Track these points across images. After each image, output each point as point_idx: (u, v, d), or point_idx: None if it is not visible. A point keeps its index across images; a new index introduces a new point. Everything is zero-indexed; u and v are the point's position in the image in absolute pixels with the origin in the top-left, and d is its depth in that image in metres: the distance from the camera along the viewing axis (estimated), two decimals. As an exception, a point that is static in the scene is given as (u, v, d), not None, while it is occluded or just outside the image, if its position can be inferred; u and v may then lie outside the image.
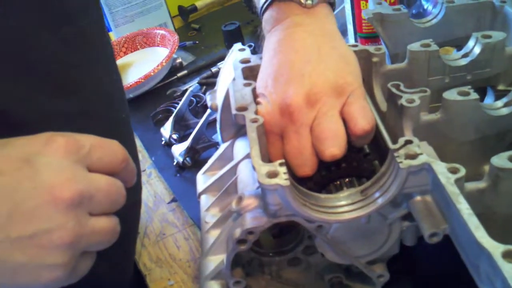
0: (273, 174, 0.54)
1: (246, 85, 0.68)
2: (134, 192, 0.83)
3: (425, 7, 1.16)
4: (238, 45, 0.79)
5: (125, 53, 1.53)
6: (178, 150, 1.06)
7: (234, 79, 0.71)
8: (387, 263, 0.67)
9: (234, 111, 0.64)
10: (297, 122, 0.61)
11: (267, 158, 0.63)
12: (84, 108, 0.69)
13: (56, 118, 0.65)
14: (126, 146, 0.81)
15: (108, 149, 0.53)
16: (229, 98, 0.68)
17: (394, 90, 0.64)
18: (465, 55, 0.74)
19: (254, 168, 0.55)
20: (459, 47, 0.83)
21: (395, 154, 0.54)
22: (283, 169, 0.54)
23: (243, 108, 0.64)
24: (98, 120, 0.73)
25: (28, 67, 0.62)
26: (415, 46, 0.72)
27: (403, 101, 0.62)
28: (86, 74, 0.71)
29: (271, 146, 0.63)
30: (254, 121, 0.62)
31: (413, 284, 0.73)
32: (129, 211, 0.80)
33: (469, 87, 0.63)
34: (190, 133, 1.08)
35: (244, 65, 0.73)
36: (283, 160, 0.55)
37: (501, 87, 0.76)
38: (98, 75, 0.74)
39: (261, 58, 0.73)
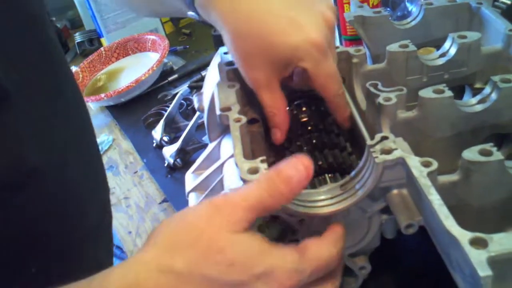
0: (254, 170, 0.56)
1: (230, 86, 0.71)
2: (107, 187, 0.86)
3: (410, 9, 1.19)
4: (223, 49, 0.81)
5: (117, 59, 1.56)
6: (169, 151, 1.09)
7: (219, 81, 0.73)
8: (370, 255, 0.69)
9: (218, 112, 0.66)
10: None
11: (250, 155, 0.65)
12: (72, 112, 0.73)
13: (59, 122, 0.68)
14: (95, 144, 0.84)
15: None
16: (214, 100, 0.71)
17: (372, 89, 0.66)
18: (442, 55, 0.77)
19: (236, 165, 0.58)
20: (438, 47, 0.86)
21: (372, 150, 0.56)
22: (264, 165, 0.56)
23: (227, 109, 0.66)
24: (85, 118, 0.77)
25: None
26: (393, 47, 0.75)
27: (380, 100, 0.65)
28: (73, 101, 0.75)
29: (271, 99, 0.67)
30: (237, 120, 0.64)
31: (395, 275, 0.75)
32: (109, 203, 0.83)
33: (444, 85, 0.66)
34: (181, 135, 1.10)
35: (229, 67, 0.75)
36: (264, 157, 0.57)
37: (478, 85, 0.79)
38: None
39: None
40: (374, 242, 0.67)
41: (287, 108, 0.69)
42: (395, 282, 0.75)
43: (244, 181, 0.56)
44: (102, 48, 1.58)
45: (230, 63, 0.76)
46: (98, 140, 1.30)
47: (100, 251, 0.79)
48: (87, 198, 0.75)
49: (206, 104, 0.80)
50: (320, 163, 0.66)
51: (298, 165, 0.51)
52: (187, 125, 1.12)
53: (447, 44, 0.77)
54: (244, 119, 0.64)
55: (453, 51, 0.75)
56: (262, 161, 0.57)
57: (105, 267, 0.81)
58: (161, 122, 1.17)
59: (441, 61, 0.76)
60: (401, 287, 0.74)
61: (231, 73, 0.75)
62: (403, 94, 0.65)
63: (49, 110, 0.68)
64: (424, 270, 0.73)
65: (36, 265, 0.66)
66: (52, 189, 0.66)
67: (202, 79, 1.37)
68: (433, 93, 0.65)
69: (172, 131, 1.18)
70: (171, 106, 1.19)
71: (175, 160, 1.07)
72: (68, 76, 0.78)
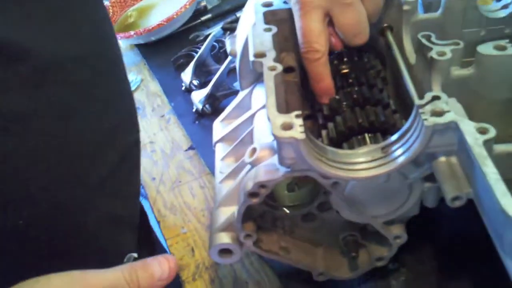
0: (288, 126, 0.51)
1: (266, 30, 0.64)
2: (134, 131, 0.82)
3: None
4: (261, -13, 0.75)
5: (149, -6, 1.49)
6: (198, 96, 1.04)
7: (254, 24, 0.67)
8: (407, 223, 0.64)
9: (252, 58, 0.60)
10: None
11: (284, 108, 0.59)
12: (87, 50, 0.68)
13: (68, 63, 0.63)
14: (122, 83, 0.79)
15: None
16: (248, 44, 0.65)
17: (424, 41, 0.59)
18: (504, 7, 0.69)
19: (268, 118, 0.52)
20: (499, -2, 0.77)
21: (421, 110, 0.50)
22: (299, 121, 0.51)
23: (261, 55, 0.60)
24: (101, 60, 0.71)
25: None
26: (450, -5, 0.67)
27: (433, 54, 0.58)
28: (83, 16, 0.69)
29: (311, 22, 0.62)
30: (273, 69, 0.58)
31: (432, 246, 0.70)
32: (133, 149, 0.79)
33: (507, 41, 0.58)
34: (211, 79, 1.05)
35: (266, 8, 0.69)
36: (299, 112, 0.52)
37: (542, 43, 0.71)
38: (93, 16, 0.72)
39: (284, 2, 0.69)
40: (413, 210, 0.61)
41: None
42: (433, 253, 0.70)
43: (276, 137, 0.50)
44: (134, -18, 1.51)
45: (268, 4, 0.70)
46: (126, 79, 1.25)
47: (114, 202, 0.75)
48: (99, 145, 0.71)
49: (239, 48, 0.74)
50: (360, 120, 0.59)
51: (163, 264, 0.52)
52: (218, 69, 1.06)
53: (512, -6, 0.68)
54: (279, 67, 0.58)
55: (518, 2, 0.67)
56: (297, 116, 0.52)
57: (121, 221, 0.78)
58: (192, 64, 1.11)
59: (503, 13, 0.68)
60: (440, 259, 0.69)
61: (268, 15, 0.69)
62: (459, 48, 0.58)
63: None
64: (465, 241, 0.68)
65: (36, 212, 0.63)
66: (49, 136, 0.63)
67: (236, 20, 1.29)
68: (493, 49, 0.58)
69: (203, 74, 1.12)
70: (203, 48, 1.13)
71: (204, 106, 1.02)
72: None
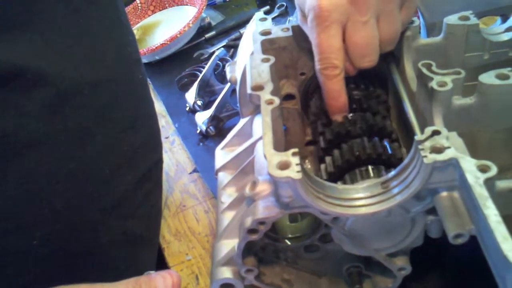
0: (285, 165, 0.50)
1: (264, 60, 0.64)
2: (156, 151, 0.83)
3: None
4: (259, 14, 0.74)
5: (153, 12, 1.49)
6: (202, 118, 1.03)
7: (252, 53, 0.66)
8: (412, 251, 0.63)
9: (249, 90, 0.60)
10: (367, 13, 0.58)
11: (281, 143, 0.59)
12: (108, 74, 0.68)
13: (87, 88, 0.64)
14: (144, 105, 0.79)
15: None
16: (246, 74, 0.64)
17: (424, 70, 0.58)
18: (508, 29, 0.67)
19: (265, 157, 0.51)
20: (504, 17, 0.76)
21: (420, 147, 0.49)
22: (296, 159, 0.50)
23: (259, 88, 0.60)
24: (122, 84, 0.72)
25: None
26: (452, 19, 0.66)
27: (433, 84, 0.56)
28: (106, 41, 0.69)
29: (330, 38, 0.60)
30: (270, 102, 0.57)
31: (440, 275, 0.69)
32: (153, 169, 0.79)
33: (509, 69, 0.57)
34: (215, 99, 1.04)
35: (264, 37, 0.68)
36: (296, 150, 0.51)
37: (547, 66, 0.69)
38: (117, 40, 0.72)
39: (282, 30, 0.69)
40: (417, 242, 0.60)
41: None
42: (440, 283, 0.68)
43: (272, 177, 0.50)
44: (138, 0, 1.51)
45: (266, 32, 0.69)
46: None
47: (131, 222, 0.75)
48: (116, 167, 0.70)
49: (238, 76, 0.73)
50: (369, 151, 0.58)
51: (167, 280, 0.52)
52: (221, 88, 1.06)
53: (515, 17, 0.67)
54: (277, 101, 0.57)
55: (522, 25, 0.66)
56: (293, 154, 0.50)
57: (138, 240, 0.78)
58: (195, 84, 1.11)
59: (507, 36, 0.67)
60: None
61: (266, 44, 0.68)
62: (460, 78, 0.57)
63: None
64: (473, 271, 0.67)
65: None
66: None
67: (240, 37, 1.28)
68: (495, 78, 0.56)
69: (206, 94, 1.11)
70: (206, 67, 1.13)
71: (207, 128, 1.02)
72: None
